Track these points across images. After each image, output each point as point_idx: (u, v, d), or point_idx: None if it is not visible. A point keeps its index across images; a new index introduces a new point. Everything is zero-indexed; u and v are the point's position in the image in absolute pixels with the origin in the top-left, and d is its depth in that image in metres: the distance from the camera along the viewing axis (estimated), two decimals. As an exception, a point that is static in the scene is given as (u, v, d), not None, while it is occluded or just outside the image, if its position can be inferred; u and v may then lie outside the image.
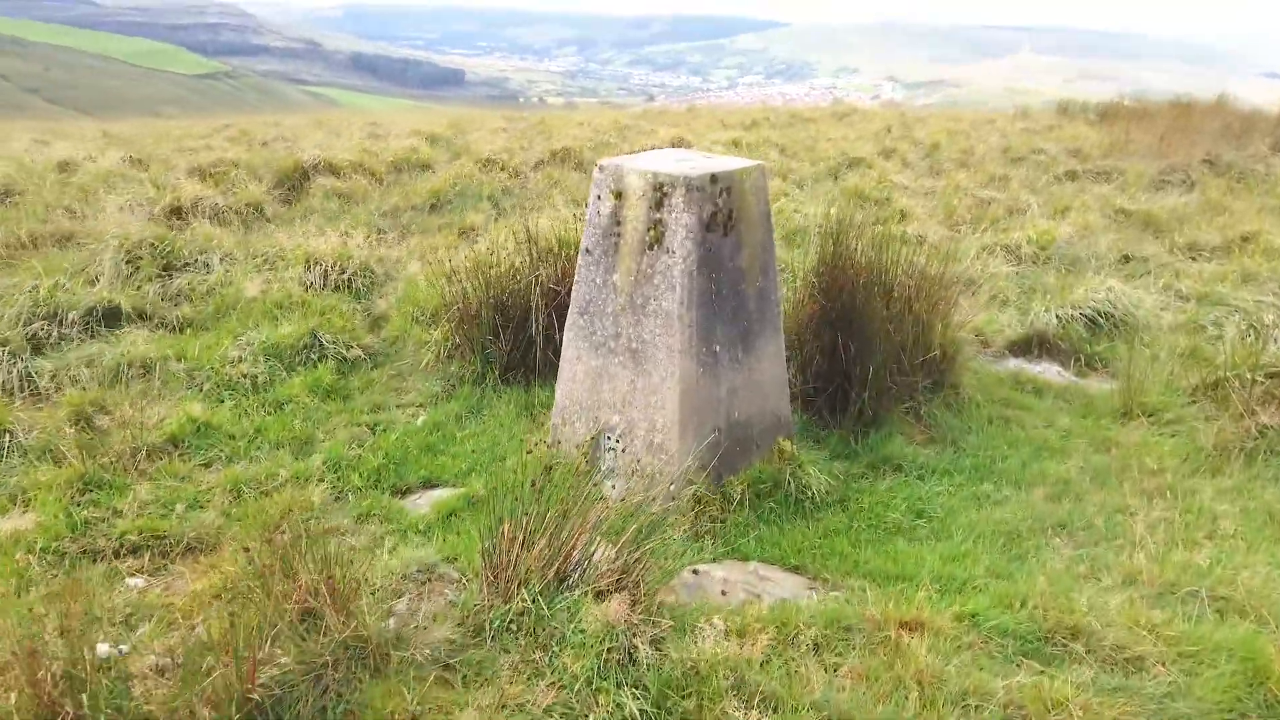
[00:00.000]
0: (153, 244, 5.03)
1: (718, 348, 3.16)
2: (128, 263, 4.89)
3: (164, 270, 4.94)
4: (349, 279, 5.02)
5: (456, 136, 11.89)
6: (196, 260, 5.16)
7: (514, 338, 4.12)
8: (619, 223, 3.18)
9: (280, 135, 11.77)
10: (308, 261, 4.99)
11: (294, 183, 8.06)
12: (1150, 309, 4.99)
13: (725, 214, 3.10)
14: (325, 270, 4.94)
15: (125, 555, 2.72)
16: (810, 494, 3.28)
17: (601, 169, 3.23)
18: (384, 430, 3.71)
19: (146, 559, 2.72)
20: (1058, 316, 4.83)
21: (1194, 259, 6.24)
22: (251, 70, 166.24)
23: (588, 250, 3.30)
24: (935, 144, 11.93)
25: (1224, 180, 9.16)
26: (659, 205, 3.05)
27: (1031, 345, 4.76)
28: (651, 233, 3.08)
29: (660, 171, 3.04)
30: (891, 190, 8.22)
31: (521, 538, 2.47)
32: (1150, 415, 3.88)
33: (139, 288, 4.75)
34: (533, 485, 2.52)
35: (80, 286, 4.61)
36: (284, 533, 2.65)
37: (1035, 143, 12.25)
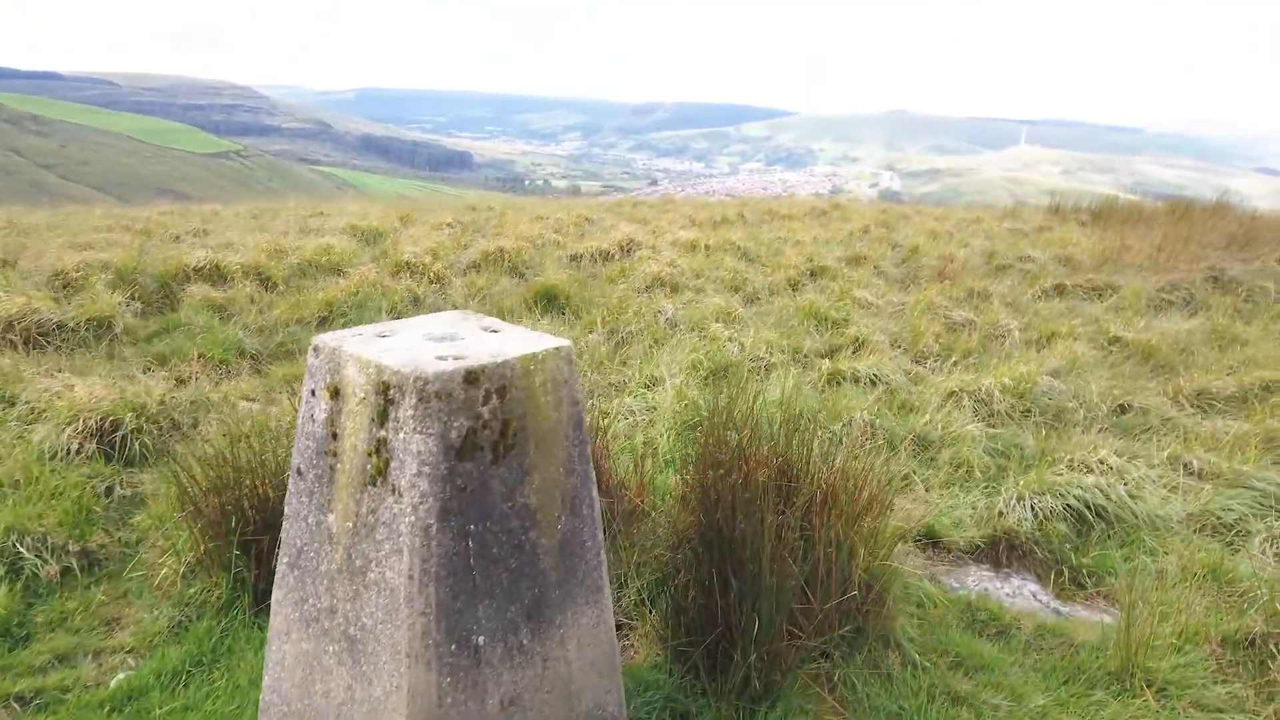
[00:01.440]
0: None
1: (481, 639, 2.02)
2: None
3: (-125, 429, 3.83)
4: (121, 439, 3.89)
5: (397, 230, 10.98)
6: (-62, 411, 4.05)
7: (276, 548, 2.97)
8: (335, 435, 2.07)
9: (203, 228, 10.85)
10: (66, 417, 3.87)
11: (169, 291, 7.05)
12: (1154, 498, 3.85)
13: (496, 429, 2.00)
14: (87, 428, 3.82)
15: None
16: None
17: (316, 351, 2.13)
18: (42, 708, 2.53)
19: None
20: (1034, 509, 3.69)
21: (1204, 412, 5.12)
22: (263, 150, 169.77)
23: (299, 471, 2.19)
24: (914, 248, 10.99)
25: (1230, 299, 8.13)
26: (383, 417, 1.94)
27: (1000, 550, 3.60)
28: (374, 460, 1.97)
29: (385, 365, 1.94)
30: (852, 309, 7.17)
31: None
32: (1160, 690, 2.70)
33: None
34: None
35: None
36: None
37: (1022, 248, 11.31)
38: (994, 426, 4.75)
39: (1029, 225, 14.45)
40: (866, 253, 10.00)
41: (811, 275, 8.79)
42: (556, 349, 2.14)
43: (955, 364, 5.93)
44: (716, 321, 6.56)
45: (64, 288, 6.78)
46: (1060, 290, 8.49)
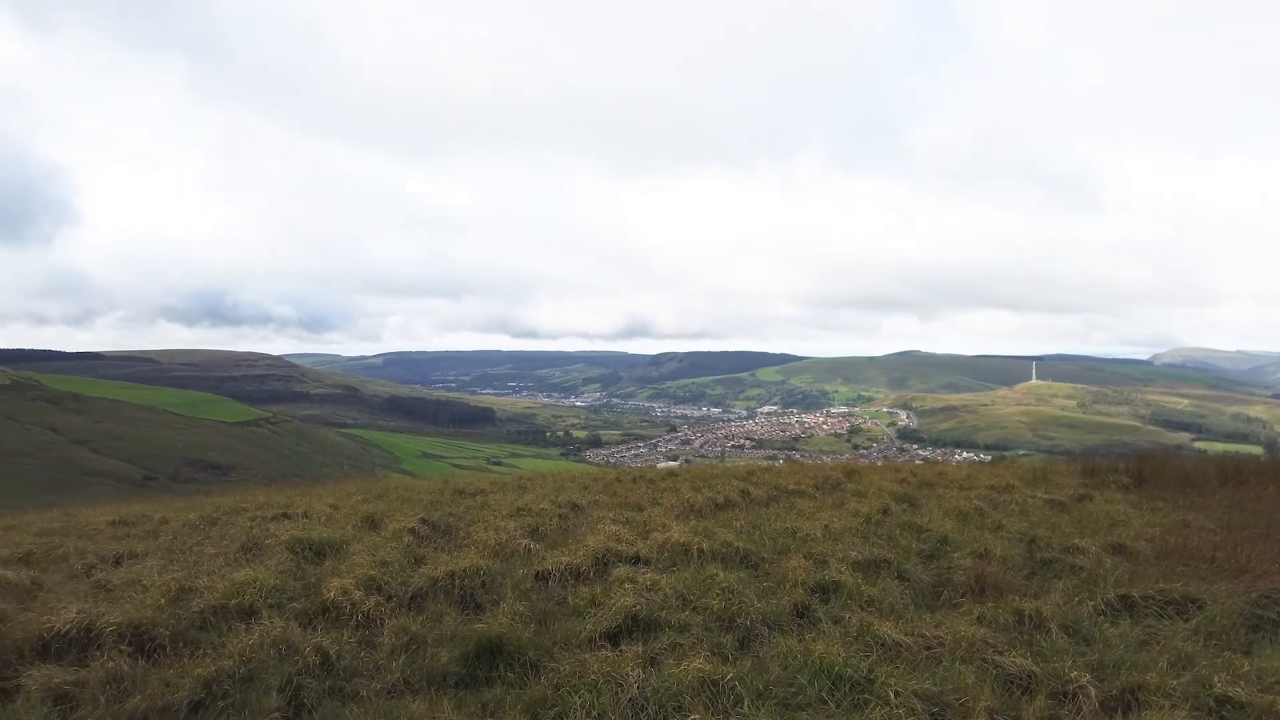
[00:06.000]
0: None
1: None
2: None
3: None
4: None
5: (352, 541, 9.64)
6: None
7: None
8: None
9: (129, 550, 9.63)
10: None
11: (13, 674, 5.65)
12: None
13: None
14: None
15: None
16: None
17: None
18: None
19: None
20: None
21: None
22: (292, 416, 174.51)
23: None
24: (943, 538, 9.55)
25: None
26: None
27: None
28: None
29: None
30: (875, 659, 5.61)
31: None
32: None
33: None
34: None
35: None
36: None
37: (1066, 531, 9.88)
38: None
39: (1065, 493, 13.01)
40: (887, 553, 8.53)
41: (822, 594, 7.30)
42: None
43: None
44: (696, 697, 5.02)
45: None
46: (1128, 605, 6.91)
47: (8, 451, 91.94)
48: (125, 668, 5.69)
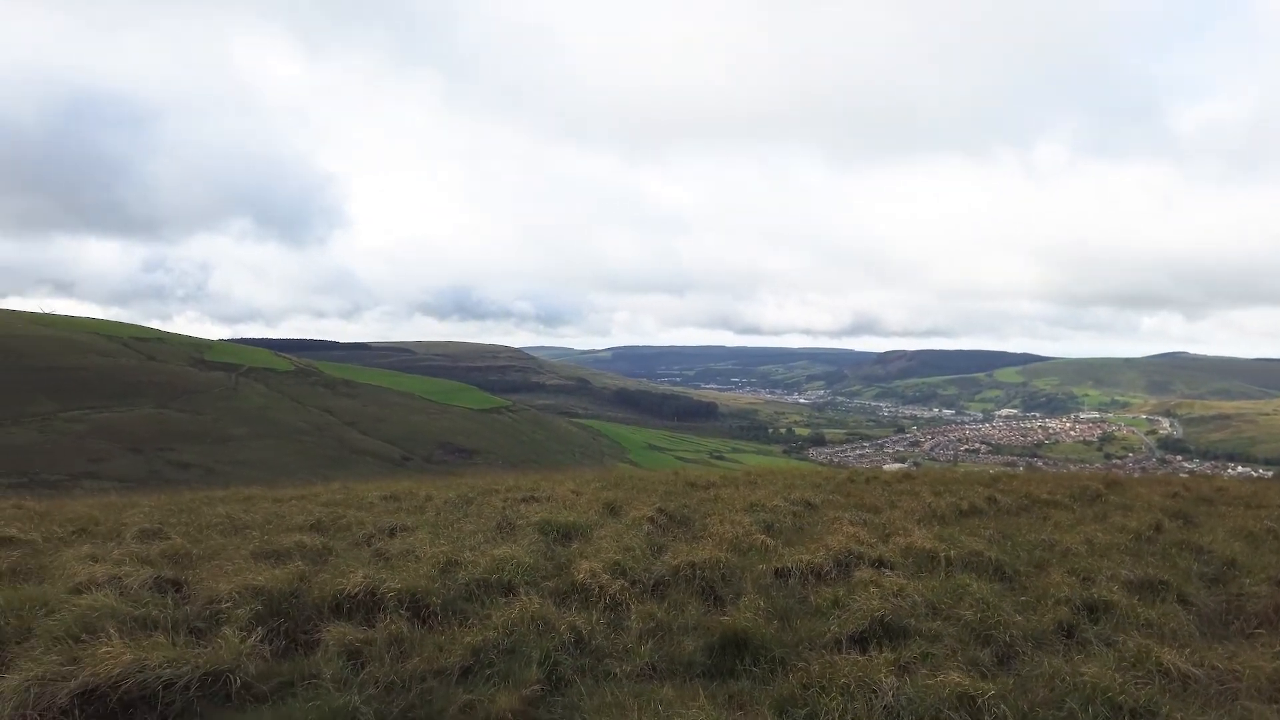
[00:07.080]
0: None
1: None
2: None
3: None
4: None
5: (596, 526, 10.02)
6: None
7: None
8: None
9: (401, 524, 10.55)
10: None
11: (313, 626, 6.37)
12: None
13: None
14: None
15: None
16: None
17: None
18: None
19: None
20: None
21: None
22: (529, 405, 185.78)
23: None
24: (1229, 560, 8.56)
25: None
26: None
27: None
28: None
29: None
30: (1158, 689, 5.08)
31: None
32: None
33: None
34: None
35: None
36: None
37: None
38: None
39: (1386, 517, 11.18)
40: (1163, 574, 7.73)
41: (1090, 613, 6.72)
42: None
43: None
44: (955, 712, 4.78)
45: (212, 619, 6.31)
46: None
47: (293, 430, 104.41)
48: (405, 630, 6.24)
